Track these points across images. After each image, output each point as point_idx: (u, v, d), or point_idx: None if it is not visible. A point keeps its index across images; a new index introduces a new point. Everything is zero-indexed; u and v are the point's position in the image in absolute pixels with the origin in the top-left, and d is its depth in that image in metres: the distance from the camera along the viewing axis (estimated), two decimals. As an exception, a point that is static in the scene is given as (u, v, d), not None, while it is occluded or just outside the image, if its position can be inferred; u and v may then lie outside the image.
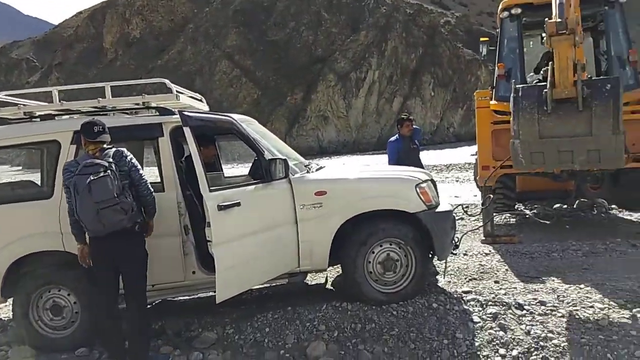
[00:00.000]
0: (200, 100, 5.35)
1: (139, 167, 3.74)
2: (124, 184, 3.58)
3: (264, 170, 4.09)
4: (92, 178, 3.45)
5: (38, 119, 4.53)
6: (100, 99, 4.45)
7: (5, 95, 4.44)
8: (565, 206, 8.50)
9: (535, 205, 8.72)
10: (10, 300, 4.29)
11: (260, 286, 5.28)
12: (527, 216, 8.31)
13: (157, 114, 4.45)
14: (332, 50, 40.75)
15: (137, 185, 3.68)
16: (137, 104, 4.51)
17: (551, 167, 5.00)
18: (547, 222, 6.28)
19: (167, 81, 4.50)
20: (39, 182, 4.87)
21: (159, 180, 4.41)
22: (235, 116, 4.45)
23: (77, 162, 3.64)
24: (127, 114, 4.69)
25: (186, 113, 3.78)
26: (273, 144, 4.67)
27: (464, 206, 9.31)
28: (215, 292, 3.76)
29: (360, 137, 38.98)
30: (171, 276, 4.23)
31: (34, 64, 56.13)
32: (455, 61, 43.53)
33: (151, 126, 4.34)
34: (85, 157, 3.65)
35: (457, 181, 15.01)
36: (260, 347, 4.03)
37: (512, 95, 4.93)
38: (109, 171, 3.50)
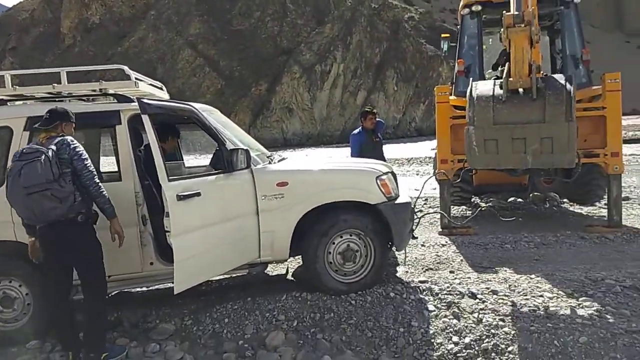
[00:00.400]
0: (161, 89, 5.26)
1: (85, 157, 3.55)
2: (64, 172, 3.44)
3: (225, 161, 4.07)
4: (23, 163, 3.39)
5: (-11, 104, 4.35)
6: (56, 84, 4.32)
7: (-47, 78, 4.25)
8: (519, 200, 8.81)
9: (491, 199, 9.01)
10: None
11: (220, 277, 5.26)
12: (482, 209, 8.56)
13: (115, 101, 4.35)
14: (298, 42, 40.62)
15: (80, 175, 3.51)
16: (95, 91, 4.40)
17: (504, 158, 4.90)
18: (509, 219, 6.42)
19: (126, 68, 4.39)
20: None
21: (116, 169, 4.32)
22: (197, 105, 4.40)
23: (22, 150, 3.56)
24: (84, 100, 4.57)
25: (145, 100, 3.70)
26: (235, 134, 4.63)
27: (424, 199, 9.55)
28: (173, 283, 3.72)
29: (325, 130, 39.09)
30: (128, 267, 4.16)
31: (-16, 47, 53.50)
32: (418, 57, 44.16)
33: (108, 114, 4.25)
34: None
35: (417, 174, 15.25)
36: (219, 337, 4.03)
37: (469, 88, 5.07)
38: (43, 156, 3.38)
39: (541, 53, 5.87)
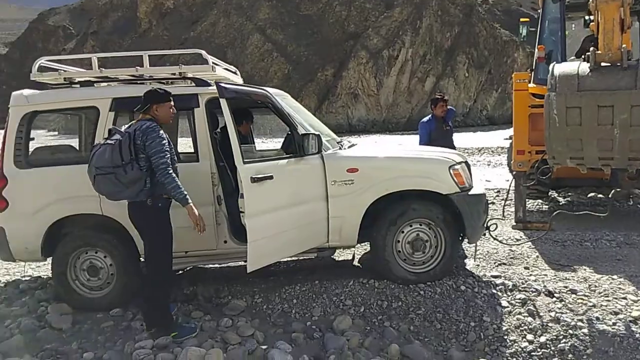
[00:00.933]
0: (235, 73, 5.38)
1: (158, 144, 3.52)
2: (139, 157, 3.50)
3: (296, 145, 4.11)
4: (102, 143, 3.60)
5: (78, 85, 4.62)
6: (138, 67, 4.51)
7: (47, 60, 4.54)
8: (600, 195, 8.29)
9: (570, 194, 8.54)
10: (50, 260, 4.44)
11: (289, 259, 5.36)
12: (560, 203, 8.15)
13: (193, 84, 4.48)
14: (365, 26, 40.09)
15: (152, 163, 3.54)
16: (174, 74, 4.55)
17: (588, 131, 4.34)
18: (602, 214, 5.88)
19: (203, 52, 4.52)
20: (77, 147, 5.01)
21: (193, 150, 4.47)
22: (271, 90, 4.46)
23: (109, 129, 3.82)
24: (163, 83, 4.75)
25: (223, 84, 3.80)
26: (306, 119, 4.67)
27: (496, 190, 9.22)
28: (245, 262, 3.84)
29: (390, 117, 38.53)
30: (204, 244, 4.31)
31: (70, 32, 56.99)
32: (491, 42, 42.33)
33: (187, 97, 4.38)
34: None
35: (488, 165, 14.74)
36: (287, 317, 4.11)
37: (550, 68, 4.75)
38: (116, 141, 3.51)
39: (631, 40, 5.43)
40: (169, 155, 3.58)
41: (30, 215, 4.23)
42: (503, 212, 6.12)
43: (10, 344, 3.65)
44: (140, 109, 3.70)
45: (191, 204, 3.62)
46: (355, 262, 5.26)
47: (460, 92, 40.33)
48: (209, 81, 4.47)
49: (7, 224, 4.28)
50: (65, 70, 4.62)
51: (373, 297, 4.16)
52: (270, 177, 3.86)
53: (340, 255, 5.53)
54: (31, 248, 4.29)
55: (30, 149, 4.47)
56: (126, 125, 3.73)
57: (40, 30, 59.49)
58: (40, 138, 5.06)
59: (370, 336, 3.77)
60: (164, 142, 3.59)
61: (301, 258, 5.31)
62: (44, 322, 4.03)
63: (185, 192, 3.60)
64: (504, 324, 3.73)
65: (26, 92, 4.45)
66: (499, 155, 16.81)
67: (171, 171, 3.56)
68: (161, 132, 3.62)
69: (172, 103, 3.77)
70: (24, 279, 5.08)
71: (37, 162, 4.39)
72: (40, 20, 60.65)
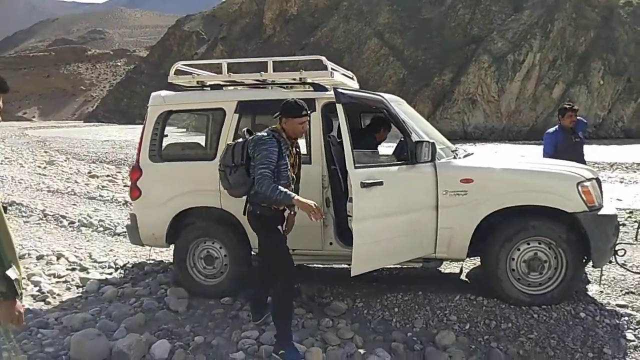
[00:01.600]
0: (352, 78, 5.44)
1: (262, 158, 3.45)
2: (249, 164, 3.57)
3: (409, 152, 4.05)
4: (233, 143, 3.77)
5: (208, 88, 4.99)
6: (263, 72, 4.74)
7: (182, 64, 4.96)
8: None
9: None
10: (172, 247, 4.85)
11: (393, 266, 5.31)
12: None
13: (311, 89, 4.61)
14: (490, 29, 38.43)
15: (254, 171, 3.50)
16: (295, 79, 4.73)
17: None
18: None
19: (323, 58, 4.62)
20: (203, 144, 5.41)
21: (306, 152, 4.60)
22: (386, 96, 4.45)
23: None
24: (284, 88, 4.95)
25: (340, 90, 3.86)
26: (421, 126, 4.59)
27: (628, 211, 8.34)
28: (349, 265, 3.86)
29: (511, 125, 36.51)
30: (310, 244, 4.43)
31: (202, 37, 61.77)
32: (633, 47, 38.30)
33: (305, 101, 4.52)
34: None
35: (621, 182, 13.38)
36: (387, 325, 4.07)
37: None
38: (238, 143, 3.68)
39: None
40: (269, 167, 3.45)
41: (159, 205, 4.64)
42: (636, 235, 5.50)
43: (133, 320, 4.04)
44: (276, 118, 3.69)
45: (297, 197, 3.46)
46: (463, 277, 5.06)
47: (593, 101, 37.04)
48: (326, 86, 4.58)
49: (139, 211, 4.76)
50: (198, 74, 5.01)
51: (480, 315, 3.97)
52: (380, 183, 3.84)
53: (447, 268, 5.35)
54: (157, 234, 4.71)
55: (164, 145, 4.91)
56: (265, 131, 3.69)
57: (176, 35, 65.30)
58: (171, 135, 5.55)
59: (474, 355, 3.61)
60: (270, 154, 3.46)
61: (406, 267, 5.25)
62: (163, 303, 4.40)
63: (285, 190, 3.44)
64: (627, 358, 3.35)
65: (163, 93, 4.90)
66: (635, 172, 15.17)
67: (265, 180, 3.41)
68: (272, 144, 3.48)
69: (304, 119, 3.62)
70: (148, 262, 5.59)
71: (168, 157, 4.81)
72: (177, 26, 66.58)
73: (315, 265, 5.44)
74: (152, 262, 5.64)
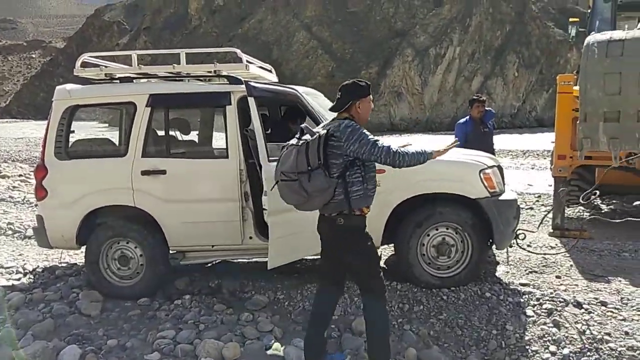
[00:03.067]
0: (270, 71, 5.42)
1: (363, 139, 2.94)
2: (331, 162, 2.93)
3: (323, 144, 4.10)
4: (290, 145, 3.05)
5: (118, 81, 4.80)
6: (175, 65, 4.63)
7: (89, 56, 4.74)
8: (648, 203, 7.91)
9: (614, 201, 8.18)
10: (83, 248, 4.64)
11: (314, 257, 5.39)
12: (602, 210, 7.82)
13: (227, 82, 4.57)
14: (413, 24, 39.56)
15: (369, 159, 2.99)
16: (210, 72, 4.65)
17: (628, 63, 4.23)
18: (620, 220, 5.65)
19: (238, 51, 4.59)
20: (116, 141, 5.21)
21: (224, 147, 4.56)
22: (301, 89, 4.49)
23: (302, 127, 3.19)
24: (201, 80, 4.86)
25: (251, 83, 3.85)
26: (336, 119, 4.66)
27: (536, 195, 8.94)
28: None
29: (434, 116, 37.93)
30: (230, 239, 4.41)
31: (124, 27, 59.06)
32: (544, 41, 40.91)
33: (220, 94, 4.47)
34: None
35: (532, 168, 14.30)
36: (307, 315, 4.12)
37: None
38: (304, 143, 2.95)
39: None
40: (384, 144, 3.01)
41: (67, 205, 4.43)
42: (539, 224, 5.91)
43: (41, 327, 3.84)
44: (338, 108, 3.10)
45: (432, 152, 3.16)
46: (381, 264, 5.23)
47: (508, 92, 39.22)
48: (241, 79, 4.55)
49: (45, 213, 4.51)
50: (106, 67, 4.80)
51: (395, 300, 4.13)
52: (295, 176, 3.87)
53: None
54: (67, 236, 4.49)
55: (71, 142, 4.68)
56: (321, 125, 3.25)
57: (95, 25, 61.94)
58: (91, 130, 5.30)
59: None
60: (372, 137, 3.00)
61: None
62: (74, 307, 4.21)
63: (418, 150, 3.11)
64: (527, 333, 3.63)
65: (69, 86, 4.66)
66: (545, 158, 16.26)
67: (393, 151, 2.98)
68: (364, 130, 3.02)
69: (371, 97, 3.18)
70: (60, 265, 5.33)
71: (76, 154, 4.60)
72: (96, 16, 63.14)
73: (239, 260, 5.42)
74: (64, 265, 5.37)
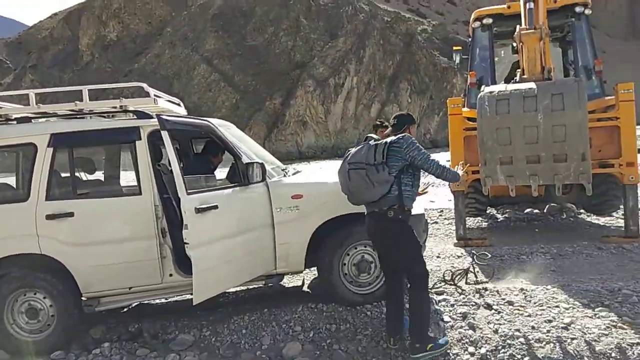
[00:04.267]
0: (179, 105, 5.39)
1: (421, 149, 3.65)
2: (391, 164, 3.57)
3: (241, 174, 4.17)
4: (354, 150, 3.78)
5: (14, 122, 4.51)
6: (78, 102, 4.46)
7: (-20, 97, 4.43)
8: (536, 211, 8.76)
9: (507, 210, 8.97)
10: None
11: (237, 289, 5.35)
12: (498, 219, 8.55)
13: (135, 117, 4.48)
14: (311, 56, 40.99)
15: (416, 163, 3.62)
16: (115, 108, 4.54)
17: (517, 148, 5.01)
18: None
19: (145, 85, 4.53)
20: (14, 185, 4.85)
21: (135, 183, 4.43)
22: (214, 120, 4.52)
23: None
24: (104, 117, 4.71)
25: (164, 117, 3.83)
26: (251, 148, 4.74)
27: (439, 210, 9.55)
28: (192, 294, 3.80)
29: (339, 142, 39.20)
30: (148, 279, 4.26)
31: (7, 66, 54.97)
32: (431, 68, 44.22)
33: (129, 130, 4.37)
34: None
35: (432, 186, 15.21)
36: (236, 348, 4.08)
37: (480, 94, 5.23)
38: (375, 143, 3.65)
39: (553, 65, 5.91)
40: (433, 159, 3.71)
41: (-37, 258, 4.05)
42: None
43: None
44: (396, 130, 3.85)
45: (459, 172, 3.94)
46: (305, 288, 5.31)
47: (405, 117, 41.59)
48: (150, 114, 4.48)
49: (-63, 268, 4.07)
50: (0, 107, 4.51)
51: (322, 321, 4.21)
52: (215, 207, 3.88)
53: (290, 282, 5.56)
54: (-36, 292, 4.08)
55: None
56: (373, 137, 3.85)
57: (-27, 64, 57.09)
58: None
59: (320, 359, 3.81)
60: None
61: (250, 287, 5.33)
62: (-23, 371, 3.82)
63: (454, 171, 3.87)
64: (445, 337, 3.86)
65: (-43, 130, 4.30)
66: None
67: (444, 167, 3.73)
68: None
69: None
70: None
71: (-30, 202, 4.22)
72: (-27, 55, 58.27)
73: (157, 300, 5.22)
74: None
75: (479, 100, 5.18)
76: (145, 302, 4.96)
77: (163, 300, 5.29)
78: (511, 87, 5.15)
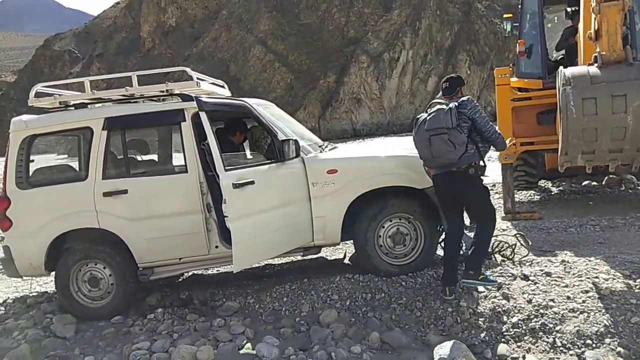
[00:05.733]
0: (222, 87, 5.62)
1: (483, 113, 4.01)
2: (462, 125, 3.89)
3: (277, 151, 4.35)
4: (427, 116, 4.03)
5: (73, 108, 4.91)
6: (128, 87, 4.78)
7: (43, 86, 4.84)
8: (594, 183, 8.41)
9: (563, 183, 8.67)
10: (53, 274, 4.71)
11: (281, 261, 5.60)
12: (552, 192, 8.29)
13: (181, 100, 4.74)
14: (365, 31, 40.41)
15: (478, 127, 3.95)
16: (162, 92, 4.81)
17: (603, 119, 4.51)
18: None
19: (187, 69, 4.78)
20: (76, 166, 5.29)
21: (182, 162, 4.72)
22: (251, 100, 4.71)
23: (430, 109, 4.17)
24: (155, 101, 5.01)
25: (202, 98, 4.05)
26: (289, 126, 4.90)
27: (491, 185, 9.36)
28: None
29: (394, 119, 38.71)
30: (196, 250, 4.56)
31: (75, 55, 58.09)
32: (492, 38, 42.31)
33: (174, 112, 4.64)
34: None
35: (489, 160, 14.84)
36: (277, 314, 4.33)
37: (558, 74, 4.87)
38: (445, 108, 3.94)
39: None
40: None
41: (33, 233, 4.51)
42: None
43: (17, 353, 3.91)
44: (450, 92, 4.14)
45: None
46: (346, 260, 5.47)
47: (463, 90, 40.33)
48: (194, 96, 4.72)
49: (12, 243, 4.58)
50: (60, 95, 4.91)
51: (358, 291, 4.37)
52: (252, 182, 4.09)
53: (333, 255, 5.75)
54: (35, 264, 4.57)
55: (31, 171, 4.76)
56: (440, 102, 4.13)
57: (46, 56, 60.73)
58: (51, 162, 5.37)
59: (354, 326, 3.97)
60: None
61: (294, 259, 5.57)
62: (49, 332, 4.28)
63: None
64: (479, 307, 3.91)
65: (24, 117, 4.75)
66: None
67: (500, 135, 4.10)
68: None
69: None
70: (31, 294, 5.35)
71: (37, 183, 4.67)
72: (46, 47, 61.92)
73: (209, 272, 5.57)
74: (34, 294, 5.40)
75: (563, 94, 4.71)
76: (197, 272, 5.33)
77: (215, 271, 5.63)
78: (594, 71, 4.71)
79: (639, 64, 4.50)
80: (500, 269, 4.42)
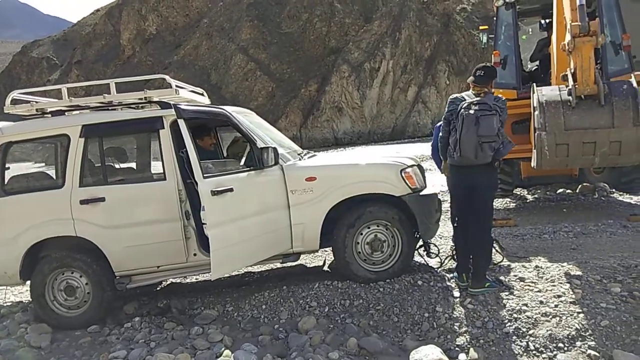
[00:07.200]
0: (202, 94, 5.63)
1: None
2: (499, 128, 4.07)
3: (256, 158, 4.38)
4: (479, 114, 4.04)
5: (50, 115, 4.87)
6: (106, 95, 4.76)
7: (19, 93, 4.80)
8: (568, 191, 8.61)
9: (538, 191, 8.85)
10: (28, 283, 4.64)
11: (260, 268, 5.61)
12: (527, 200, 8.46)
13: (159, 108, 4.74)
14: (346, 41, 40.74)
15: (502, 131, 4.13)
16: (141, 99, 4.81)
17: (573, 160, 5.00)
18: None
19: (167, 77, 4.78)
20: (53, 174, 5.24)
21: (161, 170, 4.71)
22: (230, 108, 4.74)
23: (463, 97, 4.24)
24: (133, 108, 5.00)
25: (180, 106, 4.07)
26: (268, 134, 4.94)
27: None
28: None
29: (375, 128, 38.99)
30: (175, 258, 4.55)
31: (54, 63, 57.28)
32: (470, 49, 43.04)
33: (152, 119, 4.64)
34: (470, 93, 4.26)
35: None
36: (256, 322, 4.34)
37: (534, 94, 5.02)
38: (494, 111, 4.04)
39: None
40: None
41: (8, 241, 4.45)
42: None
43: (-12, 364, 3.85)
44: (484, 82, 4.20)
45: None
46: (325, 268, 5.50)
47: (442, 100, 40.81)
48: (172, 104, 4.73)
49: (-14, 251, 4.49)
50: (37, 102, 4.87)
51: (336, 297, 4.40)
52: (231, 190, 4.11)
53: (312, 262, 5.77)
54: (10, 272, 4.50)
55: (6, 179, 4.69)
56: (471, 96, 4.20)
57: (24, 62, 59.73)
58: (27, 169, 5.32)
59: (332, 333, 4.00)
60: None
61: (273, 267, 5.58)
62: (23, 342, 4.22)
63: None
64: (455, 313, 3.98)
65: (0, 124, 4.69)
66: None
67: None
68: None
69: None
70: (5, 304, 5.26)
71: (13, 190, 4.62)
72: (23, 53, 60.91)
73: (187, 280, 5.55)
74: (8, 303, 5.31)
75: (538, 138, 4.81)
76: (176, 280, 5.30)
77: (193, 279, 5.61)
78: (565, 96, 4.75)
79: (610, 107, 4.66)
80: (476, 275, 4.49)
